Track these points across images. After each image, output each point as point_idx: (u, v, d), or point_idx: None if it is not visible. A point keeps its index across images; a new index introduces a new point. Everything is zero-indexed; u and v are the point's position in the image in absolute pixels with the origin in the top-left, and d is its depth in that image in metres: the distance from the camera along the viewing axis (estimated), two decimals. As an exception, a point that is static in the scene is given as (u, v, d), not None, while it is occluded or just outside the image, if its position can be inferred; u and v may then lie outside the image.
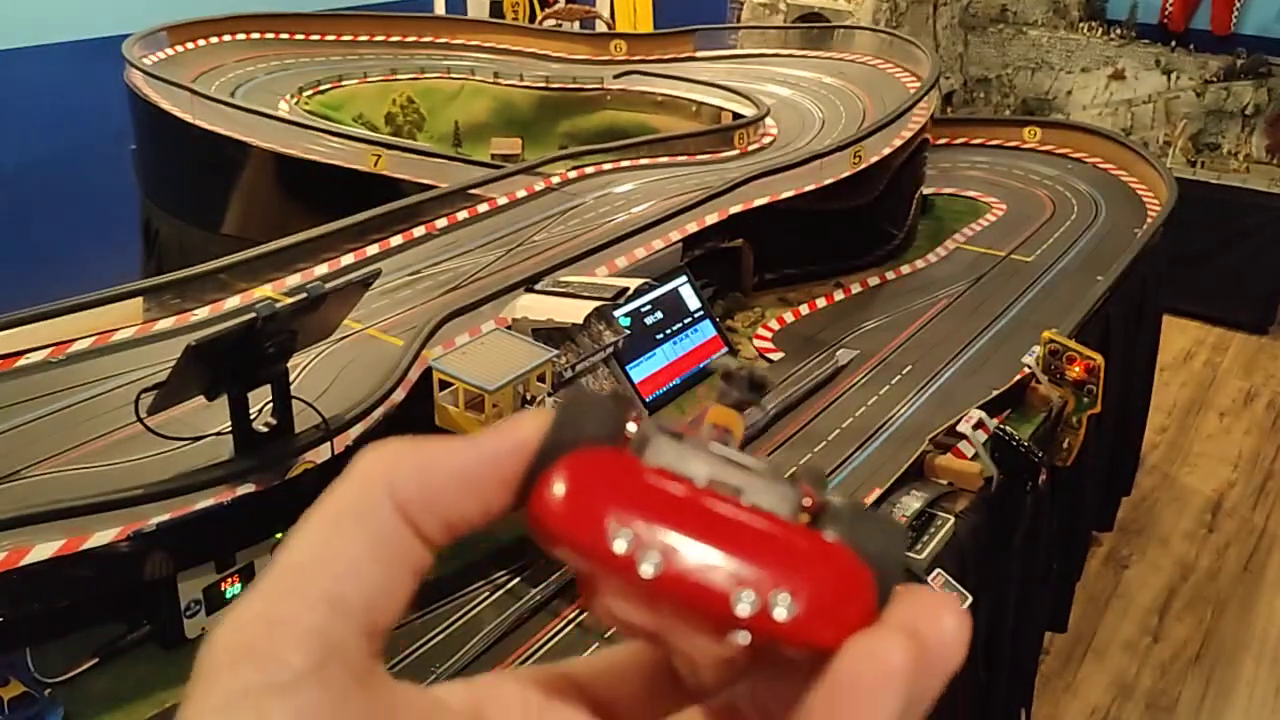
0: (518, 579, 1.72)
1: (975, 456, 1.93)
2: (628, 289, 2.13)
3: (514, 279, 2.18)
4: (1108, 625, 3.25)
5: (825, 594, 0.24)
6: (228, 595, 1.58)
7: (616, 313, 2.17)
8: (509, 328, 2.01)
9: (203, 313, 2.16)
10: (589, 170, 3.02)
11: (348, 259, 2.45)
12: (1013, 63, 5.91)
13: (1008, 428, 1.98)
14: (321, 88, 3.92)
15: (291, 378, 1.65)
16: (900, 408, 2.27)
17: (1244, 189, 5.03)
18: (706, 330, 2.44)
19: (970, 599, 1.77)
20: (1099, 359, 2.15)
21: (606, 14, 5.96)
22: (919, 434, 2.04)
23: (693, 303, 2.46)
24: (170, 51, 3.87)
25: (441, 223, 2.66)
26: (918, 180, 3.31)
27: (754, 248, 2.74)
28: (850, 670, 0.23)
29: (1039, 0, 5.91)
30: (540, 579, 1.72)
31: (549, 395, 1.82)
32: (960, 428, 1.95)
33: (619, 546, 0.24)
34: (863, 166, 2.94)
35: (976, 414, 1.97)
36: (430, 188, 2.81)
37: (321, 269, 2.38)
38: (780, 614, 0.24)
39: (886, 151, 3.03)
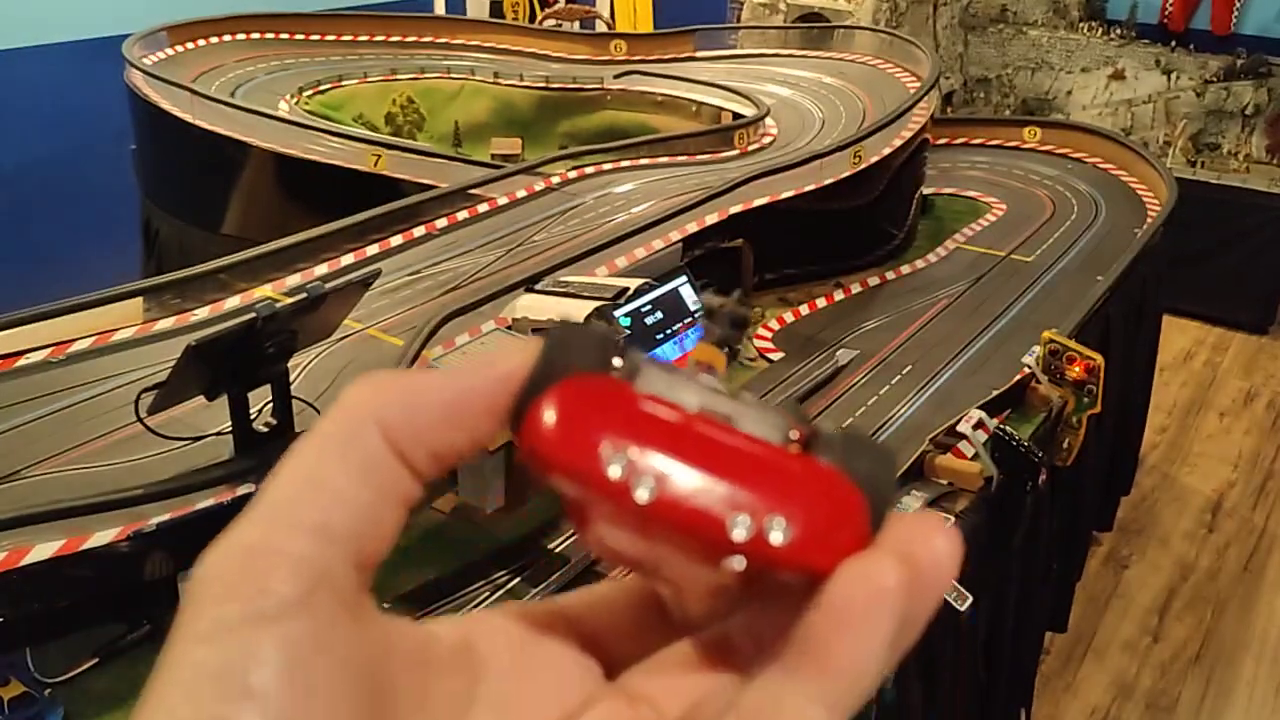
0: (518, 579, 1.72)
1: (975, 456, 1.93)
2: (628, 289, 2.13)
3: (514, 279, 2.18)
4: (1108, 625, 3.25)
5: (820, 518, 0.24)
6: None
7: (616, 313, 2.17)
8: (509, 328, 2.01)
9: (203, 313, 2.17)
10: (589, 170, 3.02)
11: (348, 259, 2.45)
12: (1013, 63, 5.91)
13: (1008, 428, 1.98)
14: (321, 88, 3.92)
15: (292, 378, 1.65)
16: (900, 408, 2.27)
17: (1244, 189, 5.03)
18: (706, 330, 2.44)
19: (970, 599, 1.77)
20: (1099, 359, 2.15)
21: (606, 14, 5.96)
22: (919, 434, 2.04)
23: (693, 303, 2.46)
24: (170, 51, 3.87)
25: (441, 223, 2.66)
26: (918, 180, 3.32)
27: (754, 248, 2.74)
28: (844, 593, 0.23)
29: (1039, 0, 5.91)
30: (540, 579, 1.72)
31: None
32: (960, 428, 1.95)
33: (613, 472, 0.24)
34: (863, 166, 2.94)
35: (976, 414, 1.97)
36: (430, 188, 2.81)
37: (321, 269, 2.39)
38: (776, 538, 0.24)
39: (886, 151, 3.03)
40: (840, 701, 0.23)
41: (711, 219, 2.58)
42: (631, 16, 6.19)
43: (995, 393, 2.16)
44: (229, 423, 1.59)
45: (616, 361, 0.27)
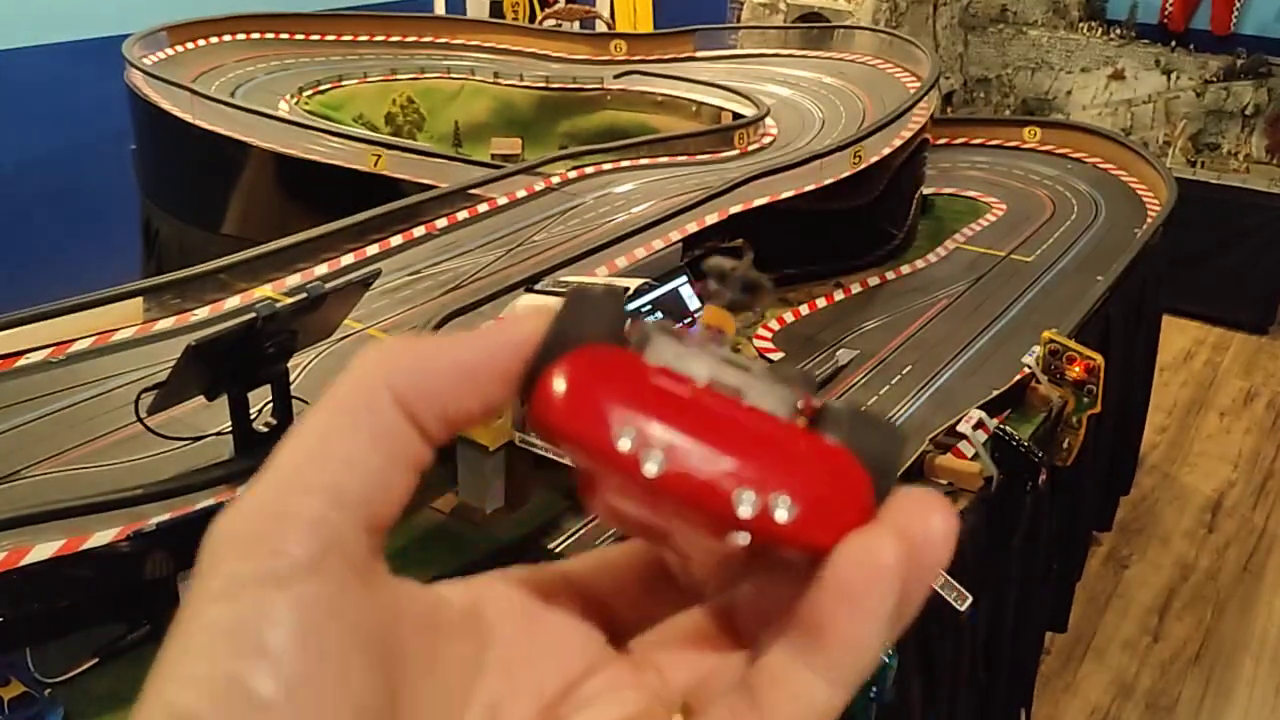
0: (518, 579, 1.72)
1: (975, 456, 1.93)
2: (628, 289, 2.14)
3: (514, 279, 2.18)
4: (1107, 625, 3.25)
5: (824, 496, 0.24)
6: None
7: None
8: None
9: (203, 313, 2.17)
10: (589, 170, 3.02)
11: (348, 259, 2.45)
12: (1012, 63, 5.91)
13: (1008, 428, 1.98)
14: (321, 88, 3.92)
15: (292, 378, 1.65)
16: (900, 408, 2.27)
17: (1244, 189, 5.03)
18: (706, 330, 2.44)
19: (970, 599, 1.77)
20: (1099, 359, 2.15)
21: (606, 14, 5.96)
22: (919, 434, 2.04)
23: (693, 303, 2.46)
24: (170, 51, 3.87)
25: (441, 223, 2.66)
26: (918, 180, 3.32)
27: (754, 248, 2.73)
28: (845, 569, 0.24)
29: (1039, 0, 5.91)
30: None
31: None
32: (960, 428, 1.95)
33: (623, 444, 0.24)
34: (863, 166, 2.94)
35: (976, 414, 1.97)
36: (430, 188, 2.81)
37: (321, 269, 2.39)
38: (780, 515, 0.24)
39: (886, 151, 3.03)
40: (843, 675, 0.24)
41: (711, 219, 2.58)
42: (631, 16, 6.19)
43: (995, 393, 2.16)
44: (229, 423, 1.59)
45: (628, 330, 0.27)
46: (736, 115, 3.61)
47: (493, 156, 3.64)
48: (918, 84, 3.61)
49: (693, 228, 2.54)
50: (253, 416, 1.61)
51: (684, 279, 2.48)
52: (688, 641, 0.29)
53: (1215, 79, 5.38)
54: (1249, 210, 4.97)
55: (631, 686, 0.28)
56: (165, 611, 1.54)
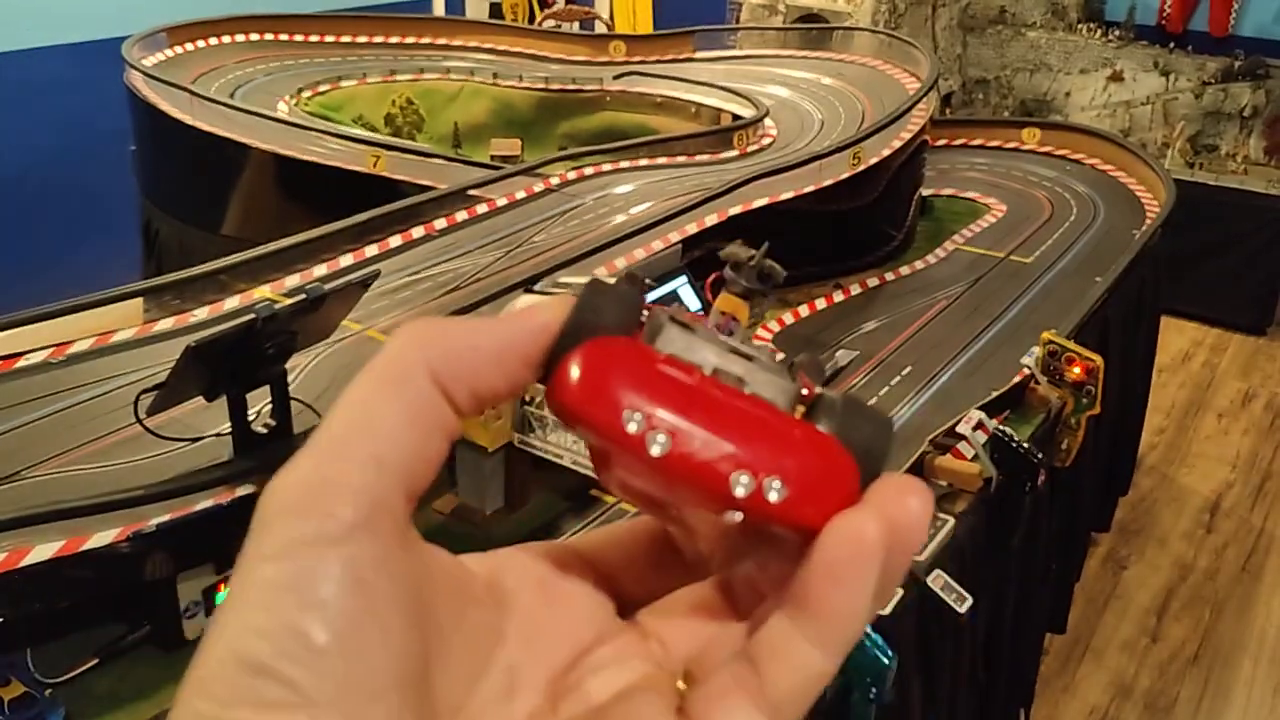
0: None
1: (975, 457, 1.93)
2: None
3: (513, 280, 2.19)
4: (1106, 626, 3.26)
5: (812, 480, 0.27)
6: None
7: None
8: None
9: (202, 313, 2.17)
10: (588, 171, 3.02)
11: (347, 260, 2.45)
12: (1011, 64, 5.92)
13: (1007, 429, 1.99)
14: (321, 89, 3.92)
15: (291, 379, 1.65)
16: (900, 408, 2.27)
17: (1242, 190, 5.04)
18: (706, 331, 2.44)
19: (970, 600, 1.77)
20: (1098, 360, 2.15)
21: (606, 15, 5.96)
22: (919, 435, 2.04)
23: (693, 304, 2.46)
24: (170, 53, 3.88)
25: (441, 224, 2.66)
26: (917, 181, 3.32)
27: (753, 248, 2.74)
28: (831, 546, 0.26)
29: (1037, 2, 5.92)
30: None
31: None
32: (960, 428, 1.95)
33: (631, 427, 0.27)
34: (862, 168, 2.95)
35: (976, 415, 1.97)
36: (429, 189, 2.81)
37: (321, 270, 2.39)
38: (772, 496, 0.26)
39: (885, 153, 3.03)
40: (833, 642, 0.27)
41: (711, 220, 2.59)
42: (631, 17, 6.19)
43: (995, 394, 2.16)
44: (228, 424, 1.59)
45: (642, 321, 0.29)
46: (736, 116, 3.61)
47: (492, 157, 3.64)
48: (916, 85, 3.61)
49: (692, 229, 2.54)
50: (251, 418, 1.61)
51: (684, 279, 2.48)
52: (689, 614, 0.31)
53: (1213, 80, 5.39)
54: (1247, 212, 4.98)
55: (638, 655, 0.31)
56: (165, 613, 1.54)
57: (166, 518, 1.49)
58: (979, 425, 1.95)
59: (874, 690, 1.48)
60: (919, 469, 1.96)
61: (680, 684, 0.29)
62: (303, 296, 1.58)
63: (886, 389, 2.36)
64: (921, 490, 0.27)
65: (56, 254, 4.26)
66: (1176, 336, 4.95)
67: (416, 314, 2.22)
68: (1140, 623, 3.28)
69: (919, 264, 3.08)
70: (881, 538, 0.26)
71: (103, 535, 1.44)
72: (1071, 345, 2.19)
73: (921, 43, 4.28)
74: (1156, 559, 3.56)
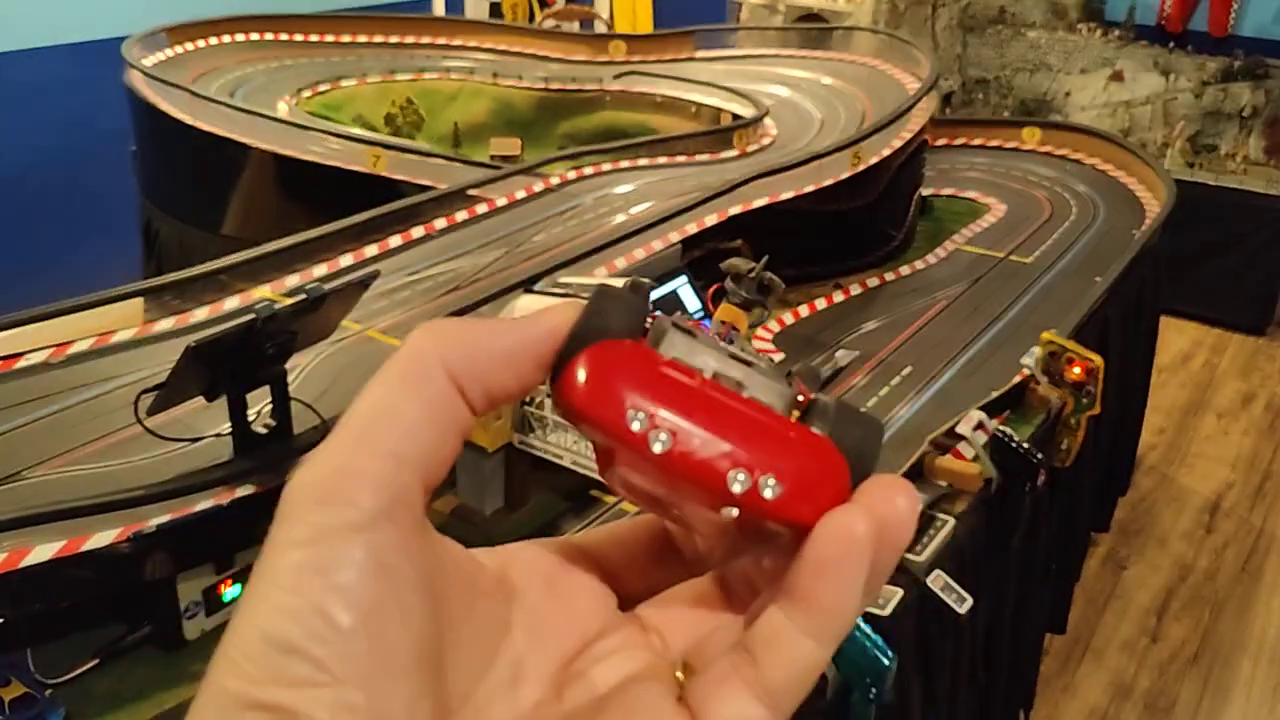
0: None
1: (975, 458, 1.93)
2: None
3: (513, 280, 2.19)
4: (1106, 626, 3.26)
5: (806, 479, 0.28)
6: (225, 598, 1.58)
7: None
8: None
9: (202, 314, 2.17)
10: (588, 171, 3.02)
11: (347, 260, 2.45)
12: (1011, 64, 5.92)
13: (1007, 429, 1.99)
14: (320, 89, 3.92)
15: (291, 379, 1.65)
16: (900, 409, 2.27)
17: (1242, 190, 5.04)
18: (706, 331, 2.44)
19: (970, 600, 1.77)
20: (1098, 360, 2.15)
21: (606, 15, 5.96)
22: (918, 435, 2.04)
23: (693, 303, 2.46)
24: (170, 53, 3.88)
25: (441, 223, 2.66)
26: (917, 181, 3.32)
27: (753, 249, 2.74)
28: (823, 542, 0.28)
29: (1038, 1, 5.92)
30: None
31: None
32: (960, 429, 1.95)
33: (634, 426, 0.28)
34: (862, 168, 2.95)
35: (976, 415, 1.97)
36: (429, 189, 2.81)
37: (320, 270, 2.39)
38: (767, 493, 0.28)
39: (885, 153, 3.03)
40: (826, 633, 0.28)
41: (711, 220, 2.59)
42: (631, 17, 6.19)
43: (995, 394, 2.16)
44: (228, 424, 1.59)
45: (646, 326, 0.31)
46: (736, 116, 3.61)
47: (492, 157, 3.64)
48: (916, 85, 3.61)
49: (692, 229, 2.54)
50: (251, 418, 1.61)
51: (684, 280, 2.48)
52: (688, 608, 0.33)
53: (1213, 80, 5.39)
54: (1247, 212, 4.98)
55: (640, 646, 0.32)
56: (165, 613, 1.54)
57: (166, 518, 1.49)
58: (979, 426, 1.95)
59: (874, 690, 1.48)
60: (919, 469, 1.96)
61: (679, 674, 0.31)
62: (303, 296, 1.58)
63: (886, 389, 2.35)
64: (909, 490, 0.29)
65: (56, 254, 4.26)
66: (1176, 336, 4.95)
67: (416, 314, 2.22)
68: (1140, 623, 3.28)
69: (919, 264, 3.08)
70: (871, 534, 0.27)
71: (103, 535, 1.44)
72: (1071, 345, 2.19)
73: (921, 42, 4.28)
74: (1156, 559, 3.56)
